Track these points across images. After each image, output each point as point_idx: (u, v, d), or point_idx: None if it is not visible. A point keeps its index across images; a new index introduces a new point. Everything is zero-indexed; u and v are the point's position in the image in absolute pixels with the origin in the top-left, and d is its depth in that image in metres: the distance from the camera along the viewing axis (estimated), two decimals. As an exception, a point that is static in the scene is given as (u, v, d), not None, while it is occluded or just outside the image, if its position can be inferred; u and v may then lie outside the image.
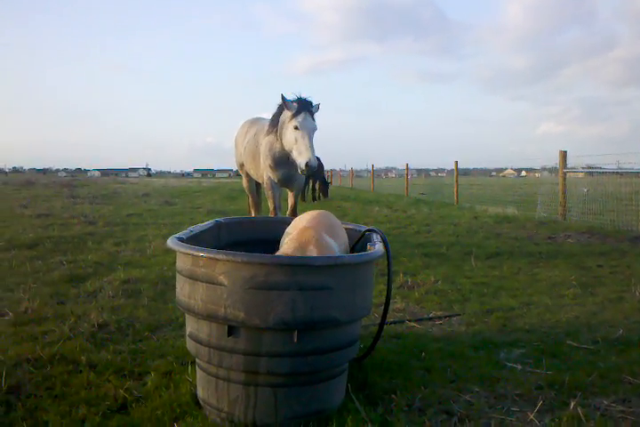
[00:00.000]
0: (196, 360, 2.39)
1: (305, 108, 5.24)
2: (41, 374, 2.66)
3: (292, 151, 5.24)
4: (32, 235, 7.46)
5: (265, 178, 6.02)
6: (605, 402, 2.46)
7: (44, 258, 5.82)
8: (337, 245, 2.61)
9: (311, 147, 5.11)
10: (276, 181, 5.92)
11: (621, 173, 11.33)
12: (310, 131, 5.21)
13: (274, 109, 5.90)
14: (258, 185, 7.27)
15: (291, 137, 5.20)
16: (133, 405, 2.38)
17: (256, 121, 6.79)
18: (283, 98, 5.23)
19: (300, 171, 5.18)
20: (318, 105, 5.41)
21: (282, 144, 5.56)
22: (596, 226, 9.48)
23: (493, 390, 2.61)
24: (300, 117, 5.19)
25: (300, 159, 5.11)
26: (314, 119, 5.33)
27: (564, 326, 3.67)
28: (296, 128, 5.16)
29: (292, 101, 5.35)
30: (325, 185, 18.69)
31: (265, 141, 5.86)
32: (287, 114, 5.26)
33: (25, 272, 5.09)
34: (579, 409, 2.33)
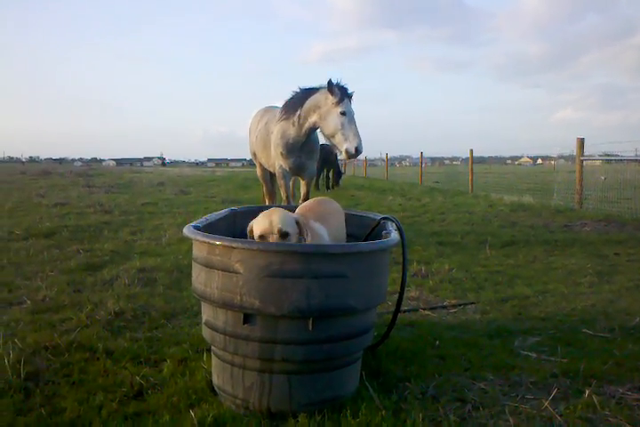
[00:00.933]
0: (212, 348, 2.41)
1: (347, 94, 5.28)
2: (59, 362, 2.70)
3: (334, 136, 5.27)
4: (49, 224, 7.55)
5: (276, 167, 6.02)
6: (621, 390, 2.45)
7: (61, 247, 5.89)
8: (325, 231, 2.64)
9: (358, 132, 5.17)
10: (287, 169, 5.91)
11: (639, 161, 11.17)
12: (354, 117, 5.28)
13: (287, 98, 5.89)
14: (272, 174, 7.27)
15: (336, 122, 5.22)
16: (149, 391, 2.41)
17: (269, 110, 6.77)
18: (329, 82, 5.23)
19: (346, 156, 5.22)
20: (353, 92, 5.42)
21: (300, 130, 5.60)
22: (613, 214, 9.37)
23: (508, 378, 2.61)
24: (345, 103, 5.22)
25: (347, 144, 5.14)
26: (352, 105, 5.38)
27: (579, 315, 3.64)
28: (343, 114, 5.18)
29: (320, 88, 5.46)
30: (339, 175, 18.69)
31: (277, 129, 5.85)
32: (330, 99, 5.26)
33: (42, 261, 5.16)
34: (594, 397, 2.32)
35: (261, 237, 2.34)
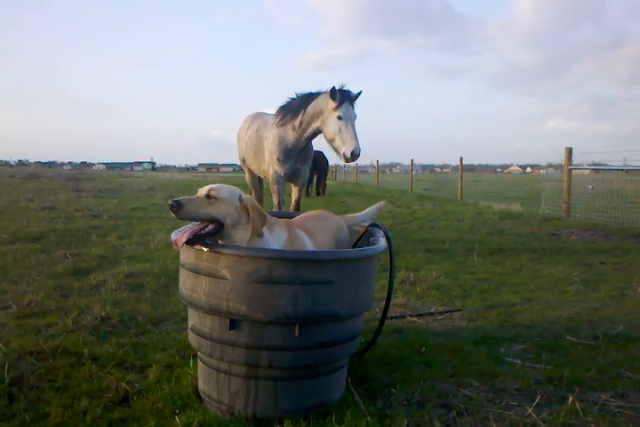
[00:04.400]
0: (198, 354, 2.41)
1: (347, 98, 5.33)
2: (43, 367, 2.68)
3: (333, 140, 5.33)
4: (37, 228, 7.49)
5: (271, 172, 6.03)
6: (604, 397, 2.48)
7: (49, 251, 5.85)
8: (310, 243, 2.56)
9: (356, 136, 5.23)
10: (282, 175, 5.93)
11: (627, 171, 11.30)
12: (353, 120, 5.33)
13: (280, 103, 5.94)
14: (260, 180, 7.29)
15: (334, 127, 5.27)
16: (135, 397, 2.40)
17: (258, 116, 6.79)
18: (333, 89, 5.27)
19: (344, 159, 5.29)
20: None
21: (300, 135, 5.66)
22: (599, 223, 9.47)
23: (492, 385, 2.63)
24: (343, 108, 5.28)
25: (345, 148, 5.21)
26: (354, 108, 5.41)
27: (564, 322, 3.68)
28: (339, 118, 5.25)
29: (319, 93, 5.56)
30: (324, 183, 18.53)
31: (273, 134, 5.87)
32: (330, 104, 5.30)
33: (29, 265, 5.12)
34: (577, 404, 2.35)
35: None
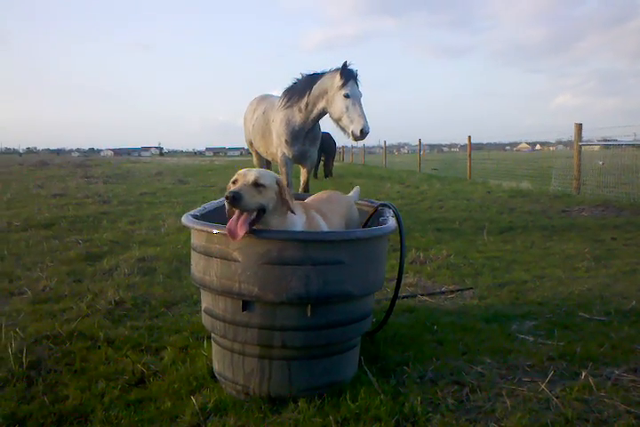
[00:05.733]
0: (212, 335, 2.44)
1: (353, 76, 5.30)
2: (60, 351, 2.72)
3: (341, 120, 5.30)
4: (48, 215, 7.55)
5: (279, 154, 6.01)
6: (617, 372, 2.48)
7: (60, 237, 5.90)
8: (325, 225, 2.53)
9: (364, 113, 5.20)
10: (290, 157, 5.91)
11: (638, 146, 11.16)
12: (360, 98, 5.30)
13: (286, 85, 5.90)
14: (268, 162, 7.28)
15: (341, 106, 5.25)
16: (151, 379, 2.43)
17: (265, 98, 6.75)
18: (344, 65, 5.23)
19: (353, 138, 5.25)
20: (356, 71, 5.42)
21: (307, 116, 5.64)
22: (610, 199, 9.39)
23: (505, 362, 2.64)
24: (349, 86, 5.24)
25: (354, 126, 5.18)
26: (359, 87, 5.38)
27: (576, 299, 3.67)
28: (347, 96, 5.21)
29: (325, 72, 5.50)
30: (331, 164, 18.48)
31: (280, 117, 5.84)
32: (335, 83, 5.27)
33: (42, 251, 5.17)
34: (590, 379, 2.36)
35: (234, 181, 2.19)
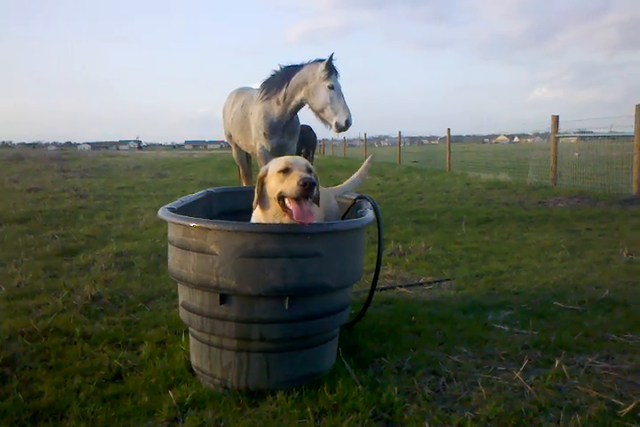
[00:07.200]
0: (189, 329, 2.43)
1: (335, 69, 5.31)
2: (35, 347, 2.69)
3: (323, 111, 5.30)
4: (23, 209, 7.44)
5: (258, 147, 5.98)
6: (589, 360, 2.53)
7: (36, 232, 5.82)
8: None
9: (347, 105, 5.22)
10: (269, 150, 5.89)
11: (613, 137, 11.33)
12: (341, 90, 5.32)
13: (265, 78, 5.86)
14: (248, 155, 7.24)
15: (325, 97, 5.24)
16: (128, 374, 2.41)
17: (244, 91, 6.70)
18: (331, 57, 5.21)
19: (336, 129, 5.26)
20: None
21: (285, 108, 5.60)
22: (586, 190, 9.54)
23: (481, 351, 2.67)
24: (333, 77, 5.25)
25: (338, 118, 5.19)
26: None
27: (551, 288, 3.73)
28: (331, 88, 5.21)
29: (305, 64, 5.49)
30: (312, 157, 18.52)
31: (258, 109, 5.81)
32: (317, 74, 5.27)
33: (17, 246, 5.10)
34: (563, 367, 2.40)
35: (285, 170, 2.15)
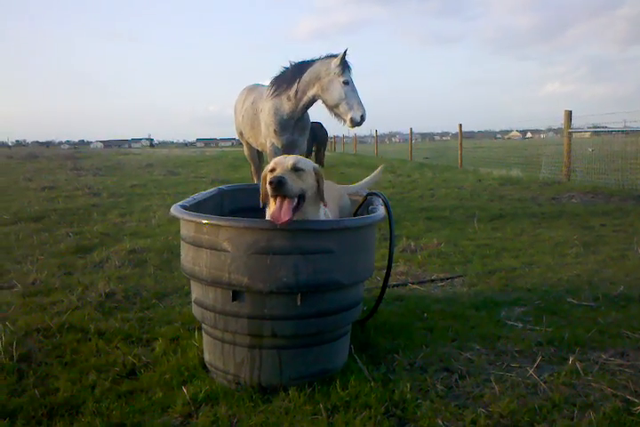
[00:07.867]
0: (202, 325, 2.44)
1: (349, 65, 5.31)
2: (51, 343, 2.72)
3: (337, 106, 5.30)
4: (37, 207, 7.51)
5: (268, 145, 5.98)
6: (604, 356, 2.51)
7: (51, 230, 5.88)
8: (328, 213, 2.55)
9: (361, 101, 5.24)
10: (279, 147, 5.88)
11: (627, 132, 11.21)
12: (355, 86, 5.32)
13: (276, 74, 5.85)
14: (259, 153, 7.25)
15: (340, 92, 5.24)
16: (142, 370, 2.44)
17: (254, 88, 6.70)
18: (345, 52, 5.22)
19: (351, 124, 5.27)
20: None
21: (296, 105, 5.59)
22: (600, 186, 9.45)
23: (494, 348, 2.66)
24: (347, 73, 5.26)
25: (352, 113, 5.20)
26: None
27: (565, 285, 3.71)
28: (346, 83, 5.22)
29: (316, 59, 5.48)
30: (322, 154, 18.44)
31: (268, 106, 5.80)
32: (332, 69, 5.27)
33: (32, 244, 5.15)
34: (577, 364, 2.38)
35: (272, 170, 2.19)
